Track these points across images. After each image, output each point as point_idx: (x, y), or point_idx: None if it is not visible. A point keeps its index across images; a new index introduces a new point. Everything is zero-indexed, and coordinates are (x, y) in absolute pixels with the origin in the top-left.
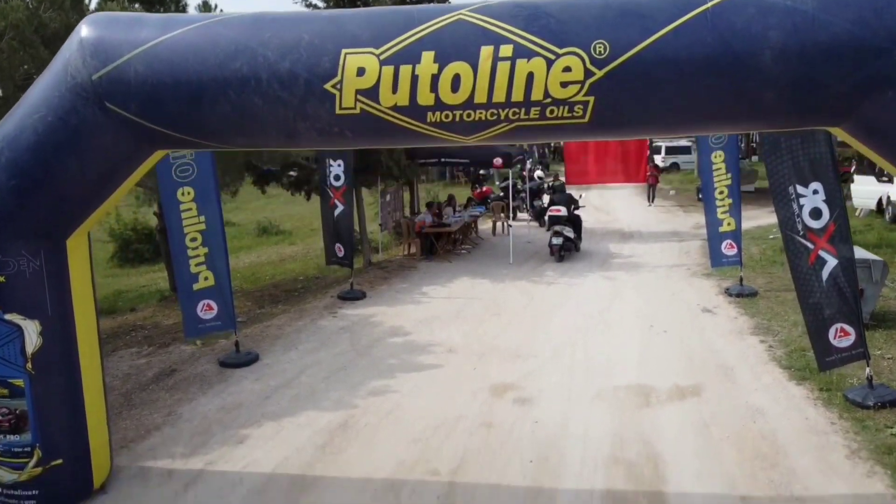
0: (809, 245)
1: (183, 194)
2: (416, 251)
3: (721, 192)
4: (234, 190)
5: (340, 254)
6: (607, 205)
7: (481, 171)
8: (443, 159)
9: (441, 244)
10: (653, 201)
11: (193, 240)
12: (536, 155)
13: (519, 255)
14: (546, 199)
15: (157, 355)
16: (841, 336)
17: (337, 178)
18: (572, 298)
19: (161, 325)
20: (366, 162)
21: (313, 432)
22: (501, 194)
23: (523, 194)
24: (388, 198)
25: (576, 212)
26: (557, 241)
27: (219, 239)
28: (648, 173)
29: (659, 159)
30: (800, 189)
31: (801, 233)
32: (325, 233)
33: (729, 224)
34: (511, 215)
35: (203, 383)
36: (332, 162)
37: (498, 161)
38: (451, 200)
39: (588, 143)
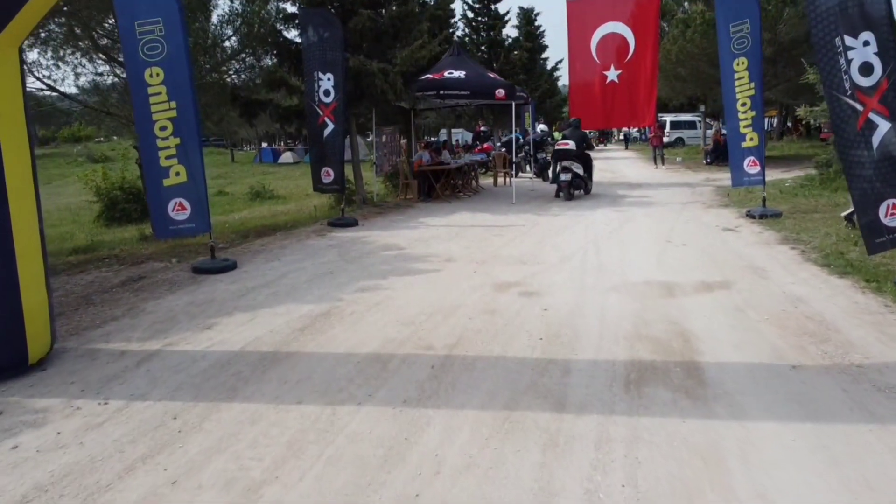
0: (858, 107)
1: (151, 76)
2: (413, 195)
3: (743, 104)
4: (219, 119)
5: (328, 178)
6: (612, 167)
7: (482, 128)
8: (441, 91)
9: (440, 186)
10: (662, 164)
11: (163, 128)
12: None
13: (522, 197)
14: (546, 153)
15: (128, 269)
16: (893, 213)
17: (327, 93)
18: (580, 224)
19: (138, 253)
20: (359, 86)
21: (291, 319)
22: (504, 150)
23: (527, 147)
24: (384, 138)
25: (587, 151)
26: (566, 176)
27: (192, 130)
28: (653, 134)
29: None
30: (848, 40)
31: (849, 92)
32: (313, 157)
33: (752, 139)
34: (513, 172)
35: (173, 285)
36: (321, 75)
37: (500, 92)
38: (446, 146)
39: (595, 85)
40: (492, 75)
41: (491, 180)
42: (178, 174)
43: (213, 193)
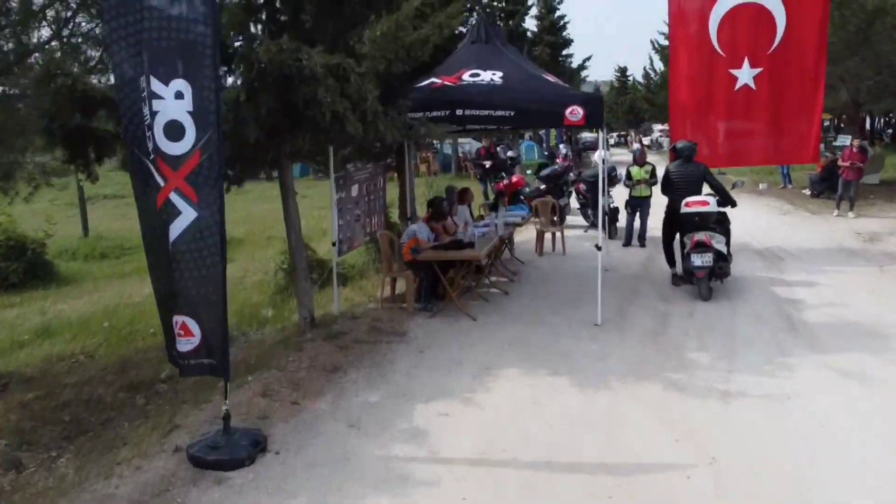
0: None
1: None
2: (406, 297)
3: None
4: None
5: (190, 341)
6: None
7: (510, 154)
8: (459, 112)
9: (455, 290)
10: (851, 212)
11: None
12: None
13: (609, 301)
14: (612, 196)
15: None
16: None
17: (174, 130)
18: (833, 448)
19: None
20: (288, 103)
21: None
22: (543, 187)
23: (581, 186)
24: (353, 190)
25: (723, 208)
26: (704, 261)
27: None
28: (849, 163)
29: None
30: None
31: None
32: (153, 279)
33: None
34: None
35: None
36: (159, 87)
37: (577, 112)
38: (464, 196)
39: (715, 92)
40: (550, 79)
41: (525, 234)
42: None
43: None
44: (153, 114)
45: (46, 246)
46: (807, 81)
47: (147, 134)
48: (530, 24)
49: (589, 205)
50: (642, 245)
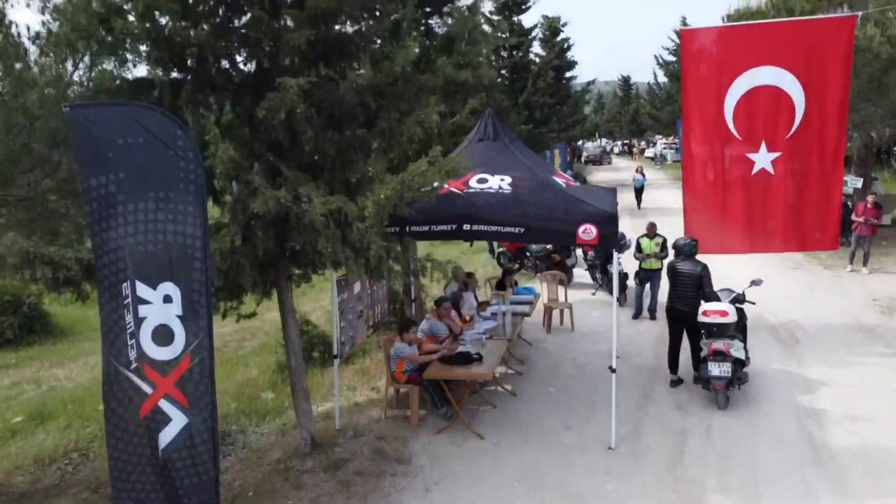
0: None
1: None
2: (411, 406)
3: None
4: None
5: None
6: None
7: None
8: (469, 227)
9: (459, 389)
10: (864, 267)
11: None
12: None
13: (622, 412)
14: (620, 263)
15: None
16: None
17: (165, 337)
18: None
19: None
20: (281, 236)
21: None
22: (549, 247)
23: (590, 251)
24: (355, 287)
25: (740, 304)
26: (722, 371)
27: None
28: (863, 219)
29: None
30: None
31: None
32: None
33: None
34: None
35: None
36: (144, 290)
37: (590, 231)
38: (469, 282)
39: (731, 178)
40: (561, 181)
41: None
42: None
43: None
44: (139, 321)
45: (43, 296)
46: (827, 165)
47: (129, 343)
48: (535, 48)
49: (597, 267)
50: (653, 318)
